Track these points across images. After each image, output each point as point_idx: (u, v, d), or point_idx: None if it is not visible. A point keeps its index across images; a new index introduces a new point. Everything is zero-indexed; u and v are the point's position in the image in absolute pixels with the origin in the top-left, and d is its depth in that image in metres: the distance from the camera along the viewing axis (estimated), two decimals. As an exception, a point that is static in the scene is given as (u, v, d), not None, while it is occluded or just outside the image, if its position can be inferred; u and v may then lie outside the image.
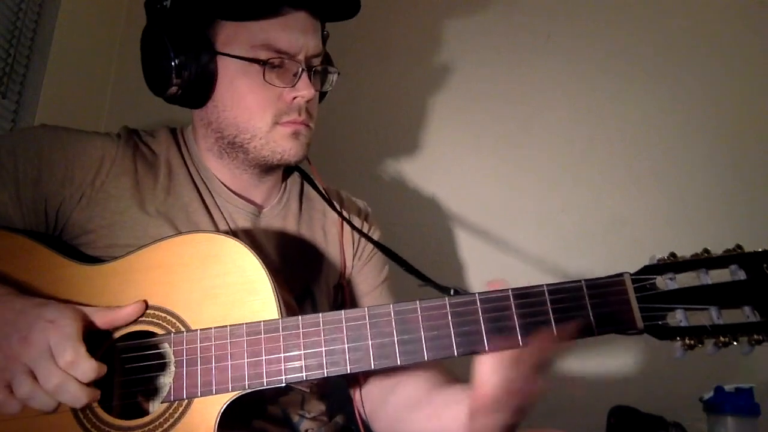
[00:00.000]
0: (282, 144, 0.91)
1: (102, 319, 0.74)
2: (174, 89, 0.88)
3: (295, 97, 0.90)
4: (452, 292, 0.79)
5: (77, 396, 0.68)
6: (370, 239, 1.01)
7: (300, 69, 0.89)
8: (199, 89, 0.89)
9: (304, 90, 0.89)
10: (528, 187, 1.60)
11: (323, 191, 1.02)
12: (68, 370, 0.67)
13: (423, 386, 0.91)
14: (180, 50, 0.87)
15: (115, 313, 0.75)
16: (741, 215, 1.49)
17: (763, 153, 1.52)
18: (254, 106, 0.89)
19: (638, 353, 1.44)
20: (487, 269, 1.56)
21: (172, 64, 0.86)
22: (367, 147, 1.59)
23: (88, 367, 0.68)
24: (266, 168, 0.96)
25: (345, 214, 1.03)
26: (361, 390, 0.96)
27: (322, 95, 1.02)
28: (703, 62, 1.59)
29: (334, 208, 1.00)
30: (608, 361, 1.41)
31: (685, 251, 1.45)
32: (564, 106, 1.63)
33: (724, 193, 1.52)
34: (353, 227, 1.00)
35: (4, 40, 1.32)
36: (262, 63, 0.87)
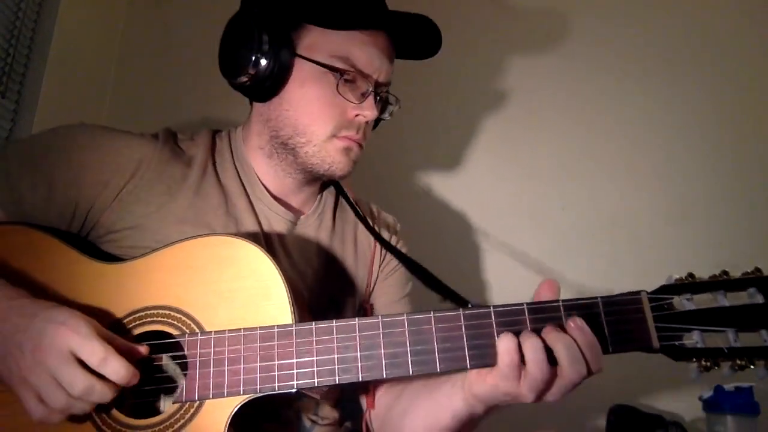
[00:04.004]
0: (333, 156, 0.93)
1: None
2: (245, 78, 0.90)
3: (357, 115, 0.92)
4: (470, 305, 0.79)
5: (105, 392, 0.68)
6: (399, 253, 1.01)
7: (369, 89, 0.92)
8: (269, 84, 0.91)
9: (368, 111, 0.92)
10: (527, 184, 1.59)
11: (356, 206, 1.03)
12: (100, 369, 0.67)
13: (423, 384, 0.90)
14: (263, 45, 0.88)
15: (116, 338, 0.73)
16: (740, 213, 1.49)
17: (763, 150, 1.52)
18: (318, 113, 0.91)
19: (638, 353, 1.44)
20: (485, 268, 1.56)
21: (253, 55, 0.88)
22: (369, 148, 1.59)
23: (120, 365, 0.68)
24: (310, 176, 0.98)
25: (375, 227, 1.06)
26: (372, 399, 0.96)
27: (377, 122, 1.04)
28: (703, 60, 1.58)
29: (367, 225, 1.01)
30: (608, 360, 1.42)
31: (684, 249, 1.47)
32: (564, 103, 1.61)
33: (724, 190, 1.52)
34: (383, 243, 1.00)
35: (3, 40, 1.30)
36: (339, 74, 0.90)
